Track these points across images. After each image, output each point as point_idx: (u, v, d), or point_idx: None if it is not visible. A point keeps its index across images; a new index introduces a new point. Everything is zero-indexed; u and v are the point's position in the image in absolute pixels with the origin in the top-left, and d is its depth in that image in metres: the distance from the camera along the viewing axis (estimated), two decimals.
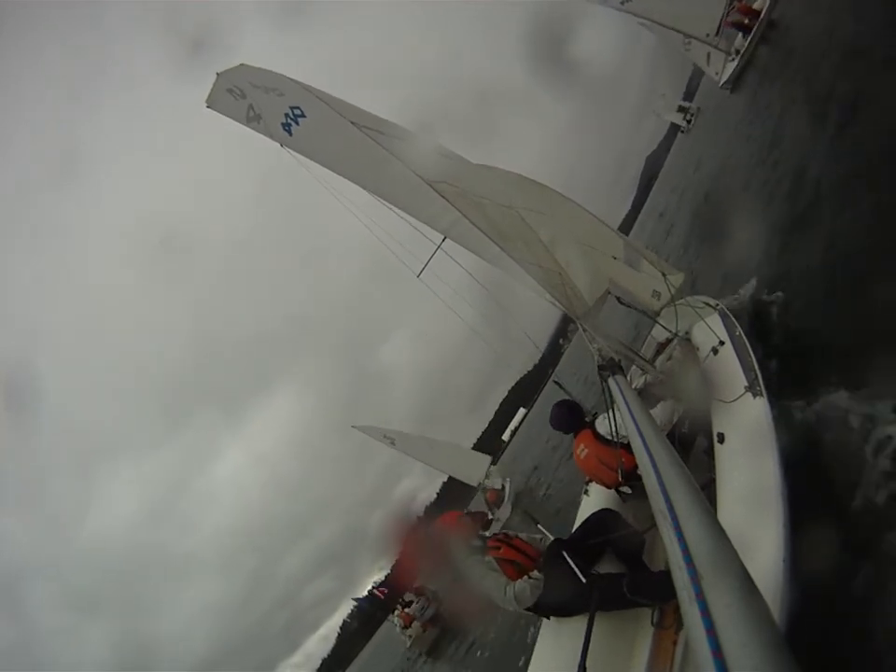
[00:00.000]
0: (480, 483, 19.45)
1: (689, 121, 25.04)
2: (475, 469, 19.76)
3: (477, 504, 19.63)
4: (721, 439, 2.84)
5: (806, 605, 1.77)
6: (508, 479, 18.80)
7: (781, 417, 2.66)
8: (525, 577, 3.10)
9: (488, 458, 20.61)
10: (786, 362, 3.71)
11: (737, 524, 2.12)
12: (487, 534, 3.51)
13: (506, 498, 17.72)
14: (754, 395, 2.88)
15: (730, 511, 2.36)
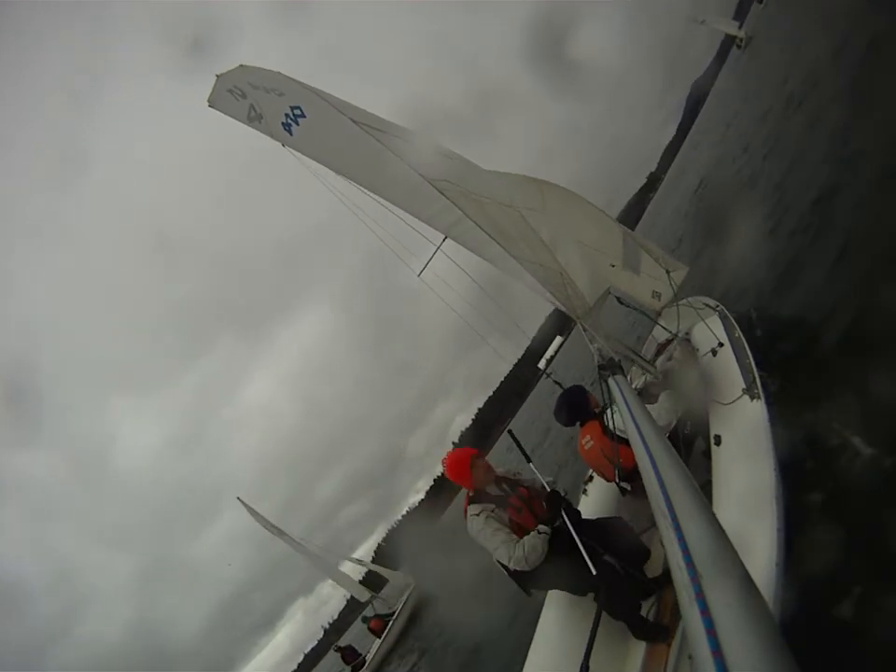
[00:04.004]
0: (369, 600, 16.40)
1: (762, 1, 22.30)
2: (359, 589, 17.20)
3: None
4: (718, 441, 2.84)
5: (803, 605, 1.78)
6: (410, 588, 15.08)
7: (778, 420, 2.66)
8: (534, 532, 2.98)
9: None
10: (784, 364, 3.72)
11: (733, 526, 2.13)
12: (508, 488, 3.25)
13: (391, 625, 14.08)
14: (752, 397, 2.88)
15: (725, 512, 2.35)
